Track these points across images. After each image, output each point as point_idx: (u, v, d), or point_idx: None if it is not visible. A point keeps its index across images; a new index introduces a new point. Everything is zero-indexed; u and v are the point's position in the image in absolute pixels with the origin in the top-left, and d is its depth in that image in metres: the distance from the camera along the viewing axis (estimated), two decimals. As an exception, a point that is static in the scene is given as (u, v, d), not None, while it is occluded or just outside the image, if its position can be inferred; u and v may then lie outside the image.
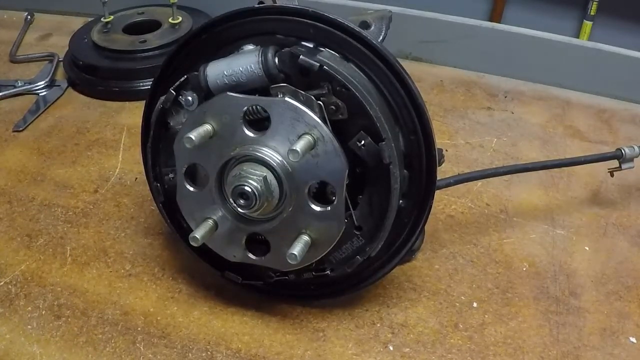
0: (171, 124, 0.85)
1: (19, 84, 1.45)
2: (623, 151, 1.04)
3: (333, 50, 0.78)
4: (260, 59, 0.76)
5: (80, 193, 1.15)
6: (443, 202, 1.12)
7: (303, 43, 0.78)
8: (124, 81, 1.43)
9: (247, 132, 0.77)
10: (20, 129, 1.32)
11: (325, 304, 0.92)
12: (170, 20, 1.51)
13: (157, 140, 0.87)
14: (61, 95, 1.44)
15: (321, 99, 0.75)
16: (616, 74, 1.42)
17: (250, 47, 0.79)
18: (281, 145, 0.76)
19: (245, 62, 0.76)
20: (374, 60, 0.76)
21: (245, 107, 0.76)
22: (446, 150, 1.22)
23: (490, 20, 1.94)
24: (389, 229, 0.80)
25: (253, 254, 0.84)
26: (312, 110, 0.74)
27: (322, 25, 0.76)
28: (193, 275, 0.97)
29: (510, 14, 1.97)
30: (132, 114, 1.37)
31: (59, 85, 1.47)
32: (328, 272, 0.84)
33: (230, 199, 0.78)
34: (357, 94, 0.74)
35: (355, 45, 0.76)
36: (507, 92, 1.46)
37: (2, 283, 0.96)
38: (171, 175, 0.88)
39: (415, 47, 1.55)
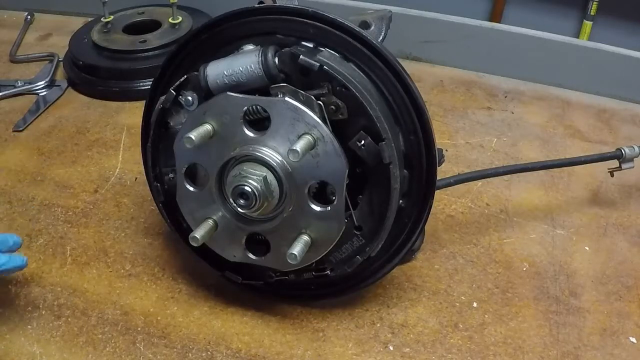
0: (171, 124, 0.85)
1: (19, 84, 1.45)
2: (623, 151, 1.04)
3: (333, 50, 0.78)
4: (260, 59, 0.76)
5: (80, 193, 1.15)
6: (443, 202, 1.12)
7: (303, 43, 0.78)
8: (124, 81, 1.43)
9: (247, 132, 0.77)
10: (20, 129, 1.32)
11: (325, 304, 0.92)
12: (170, 20, 1.51)
13: (157, 140, 0.87)
14: (61, 95, 1.44)
15: (321, 99, 0.75)
16: (616, 74, 1.42)
17: (250, 47, 0.79)
18: (281, 145, 0.76)
19: (245, 62, 0.76)
20: (374, 60, 0.76)
21: (245, 107, 0.76)
22: (446, 150, 1.22)
23: (490, 20, 1.94)
24: (389, 229, 0.80)
25: (253, 254, 0.84)
26: (312, 110, 0.74)
27: (322, 25, 0.76)
28: (193, 275, 0.97)
29: (510, 14, 1.97)
30: (132, 114, 1.37)
31: (59, 85, 1.47)
32: (328, 272, 0.84)
33: (230, 199, 0.78)
34: (357, 94, 0.74)
35: (355, 45, 0.76)
36: (507, 92, 1.46)
37: (2, 283, 0.96)
38: (171, 175, 0.88)
39: (415, 47, 1.55)
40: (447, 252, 1.02)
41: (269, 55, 0.76)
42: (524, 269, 1.00)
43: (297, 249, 0.77)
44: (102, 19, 1.52)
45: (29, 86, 1.45)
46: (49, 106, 1.40)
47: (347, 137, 0.76)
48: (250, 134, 0.77)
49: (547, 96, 1.45)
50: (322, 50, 0.77)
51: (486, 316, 0.92)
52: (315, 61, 0.74)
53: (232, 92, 0.77)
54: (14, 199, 1.14)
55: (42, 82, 1.45)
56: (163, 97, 0.83)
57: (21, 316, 0.91)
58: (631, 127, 1.36)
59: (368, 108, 0.74)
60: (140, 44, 1.45)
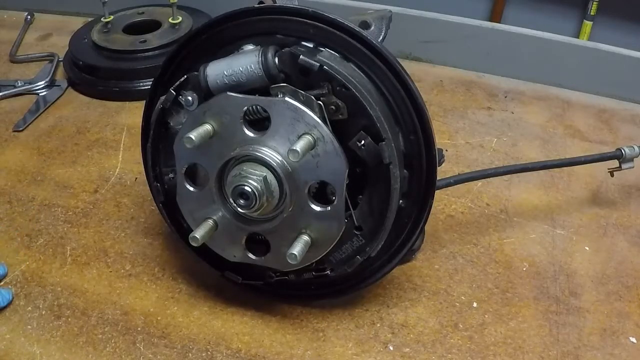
0: (171, 124, 0.85)
1: (19, 84, 1.45)
2: (623, 151, 1.04)
3: (333, 50, 0.78)
4: (260, 59, 0.76)
5: (80, 193, 1.15)
6: (443, 202, 1.12)
7: (303, 43, 0.78)
8: (124, 81, 1.43)
9: (247, 132, 0.77)
10: (20, 129, 1.32)
11: (325, 304, 0.92)
12: (170, 20, 1.51)
13: (157, 140, 0.87)
14: (61, 95, 1.44)
15: (321, 99, 0.75)
16: (616, 74, 1.42)
17: (250, 47, 0.79)
18: (281, 145, 0.76)
19: (245, 62, 0.76)
20: (374, 60, 0.76)
21: (245, 107, 0.76)
22: (446, 150, 1.22)
23: (490, 20, 1.94)
24: (389, 229, 0.80)
25: (253, 254, 0.84)
26: (312, 110, 0.74)
27: (322, 25, 0.76)
28: (193, 275, 0.97)
29: (510, 14, 1.97)
30: (132, 114, 1.37)
31: (59, 85, 1.47)
32: (328, 272, 0.84)
33: (230, 199, 0.78)
34: (357, 94, 0.74)
35: (355, 45, 0.76)
36: (507, 92, 1.46)
37: (2, 283, 0.96)
38: (171, 175, 0.88)
39: (415, 47, 1.55)
40: (447, 252, 1.02)
41: (269, 55, 0.76)
42: (524, 269, 1.00)
43: (297, 249, 0.77)
44: (102, 19, 1.52)
45: (29, 86, 1.45)
46: (49, 106, 1.40)
47: (347, 137, 0.76)
48: (250, 134, 0.77)
49: (547, 96, 1.45)
50: (322, 50, 0.77)
51: (486, 316, 0.92)
52: (315, 61, 0.74)
53: (232, 92, 0.77)
54: (14, 199, 1.14)
55: (42, 82, 1.46)
56: (163, 97, 0.83)
57: (21, 316, 0.91)
58: (631, 127, 1.36)
59: (368, 108, 0.74)
60: (140, 44, 1.45)
